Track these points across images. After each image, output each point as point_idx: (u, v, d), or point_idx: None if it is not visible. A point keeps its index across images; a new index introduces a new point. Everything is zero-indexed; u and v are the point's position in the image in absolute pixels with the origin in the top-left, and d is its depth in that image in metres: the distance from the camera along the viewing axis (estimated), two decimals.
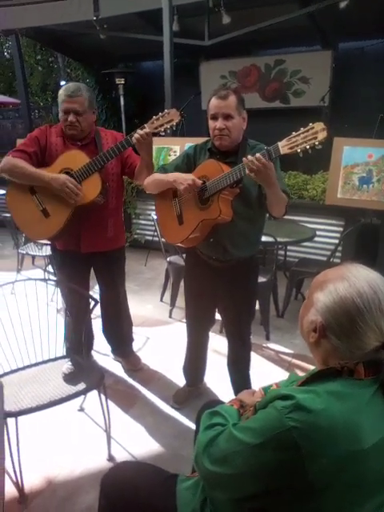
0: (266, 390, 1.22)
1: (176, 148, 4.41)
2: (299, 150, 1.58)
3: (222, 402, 1.26)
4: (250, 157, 1.56)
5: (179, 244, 1.97)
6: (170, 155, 4.40)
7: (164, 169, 2.01)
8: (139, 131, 2.02)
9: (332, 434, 0.78)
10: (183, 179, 1.81)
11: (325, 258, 3.72)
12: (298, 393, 0.83)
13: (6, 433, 1.65)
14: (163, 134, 2.10)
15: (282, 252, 4.02)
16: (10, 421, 1.65)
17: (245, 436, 0.87)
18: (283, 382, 1.16)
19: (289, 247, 4.08)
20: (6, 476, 1.80)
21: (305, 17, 4.85)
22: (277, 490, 0.83)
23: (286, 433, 0.79)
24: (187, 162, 1.98)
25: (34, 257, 4.36)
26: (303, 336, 0.98)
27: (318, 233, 3.50)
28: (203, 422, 1.06)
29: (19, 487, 1.76)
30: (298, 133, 1.58)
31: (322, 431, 0.78)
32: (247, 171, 1.59)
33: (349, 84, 5.77)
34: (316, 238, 3.48)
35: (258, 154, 1.56)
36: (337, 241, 3.61)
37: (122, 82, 6.29)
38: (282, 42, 5.99)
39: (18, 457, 1.70)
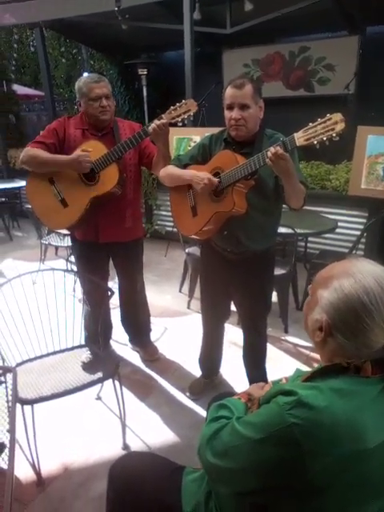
0: (275, 383, 1.21)
1: (196, 138, 4.37)
2: (316, 142, 1.54)
3: (234, 395, 1.25)
4: (272, 148, 1.54)
5: (193, 236, 1.97)
6: (190, 146, 4.37)
7: (179, 159, 2.00)
8: (156, 121, 2.01)
9: (334, 431, 0.77)
10: (200, 178, 1.79)
11: (347, 250, 3.64)
12: (301, 389, 0.82)
13: (23, 419, 1.70)
14: (180, 124, 2.09)
15: (302, 244, 3.95)
16: (27, 408, 1.71)
17: (246, 431, 0.86)
18: (291, 377, 1.15)
19: (310, 239, 4.00)
20: (25, 460, 1.86)
21: (330, 1, 4.69)
22: (277, 486, 0.82)
23: (287, 429, 0.78)
24: (203, 153, 1.96)
25: (57, 247, 4.44)
26: (308, 334, 0.96)
27: (339, 224, 3.43)
28: (209, 415, 1.06)
29: (36, 471, 1.82)
30: (314, 124, 1.54)
31: (324, 429, 0.77)
32: (267, 160, 1.57)
33: (376, 70, 5.56)
34: (338, 230, 3.41)
35: (277, 148, 1.53)
36: (359, 233, 3.52)
37: (145, 73, 6.26)
38: (306, 28, 5.81)
39: (35, 442, 1.75)
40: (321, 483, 0.77)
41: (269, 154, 1.54)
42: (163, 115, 2.03)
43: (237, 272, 1.99)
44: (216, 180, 1.78)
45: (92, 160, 2.11)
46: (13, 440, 1.13)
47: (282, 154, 1.52)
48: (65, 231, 3.21)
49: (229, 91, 1.76)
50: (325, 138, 1.52)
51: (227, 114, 1.78)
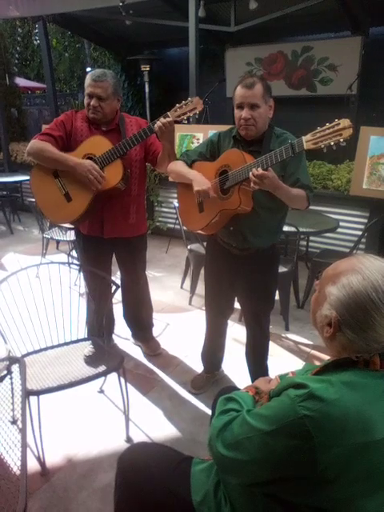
0: (282, 377, 1.23)
1: (199, 135, 4.40)
2: (323, 146, 1.56)
3: (239, 389, 1.27)
4: (254, 170, 1.60)
5: (199, 231, 1.99)
6: (193, 142, 4.39)
7: (187, 155, 2.01)
8: (162, 119, 2.01)
9: (344, 423, 0.79)
10: (199, 184, 1.82)
11: (347, 250, 3.67)
12: (311, 382, 0.84)
13: (28, 410, 1.72)
14: (186, 121, 2.10)
15: (304, 242, 3.98)
16: (33, 399, 1.72)
17: (258, 423, 0.88)
18: (299, 371, 1.17)
19: (311, 238, 4.04)
20: (29, 451, 1.88)
21: (334, 1, 4.70)
22: (288, 477, 0.84)
23: (299, 421, 0.80)
24: (211, 149, 1.98)
25: (58, 241, 4.44)
26: (317, 330, 0.98)
27: (341, 224, 3.46)
28: (218, 408, 1.08)
29: (41, 462, 1.84)
30: (323, 128, 1.55)
31: (335, 421, 0.79)
32: (252, 185, 1.61)
33: (378, 71, 5.59)
34: (339, 229, 3.44)
35: (259, 170, 1.59)
36: (360, 232, 3.55)
37: (147, 69, 6.27)
38: (309, 28, 5.84)
39: (40, 433, 1.77)
40: (331, 474, 0.80)
41: (251, 176, 1.59)
42: (168, 113, 2.02)
43: (241, 268, 2.01)
44: (214, 195, 1.81)
45: (102, 181, 2.10)
46: (24, 433, 1.13)
47: (261, 174, 1.57)
48: (68, 225, 3.22)
49: (239, 91, 1.76)
50: (332, 143, 1.53)
51: (237, 113, 1.79)
